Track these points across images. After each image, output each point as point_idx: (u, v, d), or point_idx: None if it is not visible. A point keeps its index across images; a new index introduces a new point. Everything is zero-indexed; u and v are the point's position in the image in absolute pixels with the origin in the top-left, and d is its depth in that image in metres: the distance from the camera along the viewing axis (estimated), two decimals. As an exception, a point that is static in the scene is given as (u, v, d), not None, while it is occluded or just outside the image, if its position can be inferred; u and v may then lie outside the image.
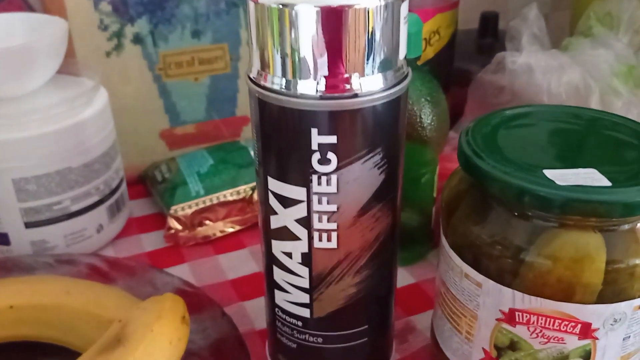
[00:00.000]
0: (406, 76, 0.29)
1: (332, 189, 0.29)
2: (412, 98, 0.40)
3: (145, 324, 0.32)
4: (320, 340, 0.34)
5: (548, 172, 0.27)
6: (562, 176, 0.27)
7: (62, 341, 0.37)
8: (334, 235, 0.30)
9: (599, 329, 0.28)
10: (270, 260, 0.33)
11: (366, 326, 0.34)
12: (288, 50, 0.26)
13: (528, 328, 0.29)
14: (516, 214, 0.28)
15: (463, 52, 0.59)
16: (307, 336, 0.34)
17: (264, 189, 0.31)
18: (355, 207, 0.30)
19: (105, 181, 0.47)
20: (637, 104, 0.41)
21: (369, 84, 0.27)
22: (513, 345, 0.29)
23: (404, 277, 0.45)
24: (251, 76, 0.29)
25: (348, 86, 0.26)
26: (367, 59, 0.26)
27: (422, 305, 0.42)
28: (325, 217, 0.30)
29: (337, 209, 0.30)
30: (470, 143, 0.30)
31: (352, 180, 0.29)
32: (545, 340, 0.28)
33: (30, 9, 0.54)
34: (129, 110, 0.55)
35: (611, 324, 0.28)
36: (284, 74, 0.27)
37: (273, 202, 0.30)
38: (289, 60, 0.26)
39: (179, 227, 0.48)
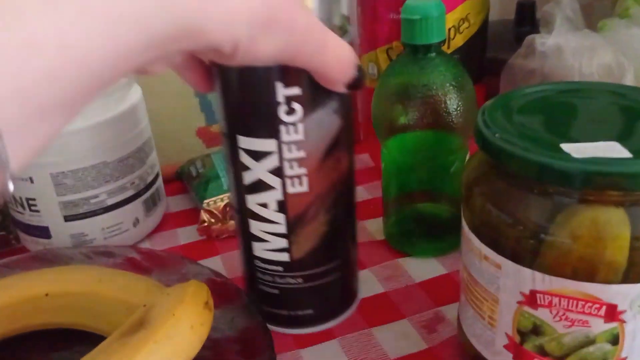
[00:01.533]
0: (346, 32, 0.33)
1: (300, 136, 0.32)
2: (436, 83, 0.40)
3: (168, 309, 0.32)
4: (300, 280, 0.37)
5: (566, 146, 0.26)
6: (581, 149, 0.26)
7: (94, 328, 0.38)
8: (305, 179, 0.34)
9: (625, 311, 0.26)
10: (245, 215, 0.36)
11: (339, 261, 0.37)
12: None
13: (550, 311, 0.27)
14: (535, 191, 0.27)
15: (500, 42, 0.58)
16: (288, 279, 0.37)
17: (233, 148, 0.34)
18: (321, 151, 0.33)
19: (140, 176, 0.48)
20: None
21: None
22: (536, 330, 0.28)
23: (435, 268, 0.44)
24: None
25: None
26: (317, 15, 0.30)
27: (453, 296, 0.41)
28: (295, 164, 0.33)
29: (306, 154, 0.33)
30: (487, 121, 0.29)
31: (316, 126, 0.32)
32: (569, 323, 0.27)
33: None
34: (167, 110, 0.57)
35: (639, 306, 0.26)
36: None
37: (244, 158, 0.34)
38: None
39: (212, 220, 0.49)
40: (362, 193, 0.54)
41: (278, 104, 0.31)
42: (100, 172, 0.45)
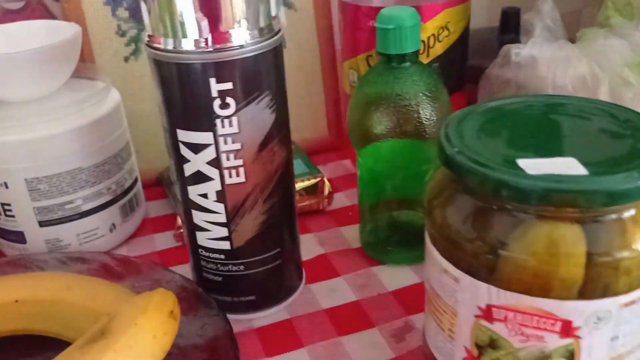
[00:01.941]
0: (279, 30, 0.35)
1: (235, 129, 0.34)
2: (409, 93, 0.40)
3: (130, 317, 0.32)
4: (242, 267, 0.39)
5: (522, 162, 0.26)
6: (537, 165, 0.26)
7: (63, 335, 0.38)
8: (241, 170, 0.36)
9: (581, 327, 0.26)
10: (188, 206, 0.38)
11: (279, 249, 0.39)
12: (180, 14, 0.32)
13: (506, 325, 0.27)
14: (493, 207, 0.27)
15: (484, 50, 0.58)
16: (230, 266, 0.39)
17: (174, 142, 0.36)
18: (255, 143, 0.35)
19: (117, 181, 0.48)
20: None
21: (247, 37, 0.33)
22: (493, 344, 0.28)
23: (408, 276, 0.44)
24: (148, 41, 0.34)
25: (234, 39, 0.33)
26: (246, 16, 0.32)
27: (424, 305, 0.41)
28: (232, 155, 0.35)
29: (241, 146, 0.35)
30: (449, 135, 0.29)
31: (250, 120, 0.35)
32: (525, 338, 0.27)
33: (51, 16, 0.56)
34: (147, 114, 0.57)
35: (595, 323, 0.26)
36: (177, 35, 0.32)
37: (184, 151, 0.36)
38: (177, 22, 0.32)
39: (189, 226, 0.49)
40: (341, 199, 0.54)
41: (213, 98, 0.33)
42: (75, 178, 0.45)
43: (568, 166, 0.25)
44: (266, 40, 0.34)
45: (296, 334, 0.39)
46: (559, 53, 0.39)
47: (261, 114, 0.35)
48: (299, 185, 0.51)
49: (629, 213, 0.26)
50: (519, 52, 0.40)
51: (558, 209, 0.25)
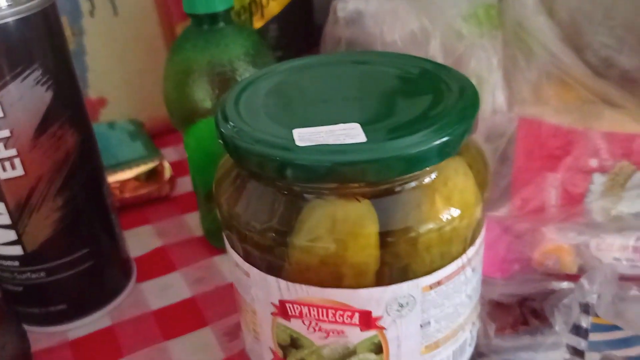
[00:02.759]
0: None
1: None
2: (223, 59, 0.35)
3: None
4: (43, 274, 0.34)
5: (297, 133, 0.22)
6: (312, 135, 0.22)
7: None
8: (17, 161, 0.30)
9: (382, 316, 0.23)
10: None
11: (87, 249, 0.34)
12: None
13: (303, 322, 0.24)
14: (272, 189, 0.23)
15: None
16: (28, 274, 0.33)
17: None
18: (29, 128, 0.30)
19: None
20: (487, 47, 0.36)
21: None
22: (295, 343, 0.24)
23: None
24: None
25: None
26: None
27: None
28: (1, 145, 0.30)
29: (11, 133, 0.30)
30: (225, 112, 0.24)
31: (17, 101, 0.29)
32: (325, 334, 0.24)
33: None
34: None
35: (397, 310, 0.23)
36: None
37: None
38: None
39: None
40: (185, 184, 0.49)
41: None
42: None
43: (347, 134, 0.22)
44: (28, 2, 0.29)
45: (117, 342, 0.35)
46: (385, 6, 0.35)
47: (31, 92, 0.30)
48: (135, 171, 0.45)
49: (425, 181, 0.22)
50: (345, 6, 0.36)
51: (340, 186, 0.22)
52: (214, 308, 0.37)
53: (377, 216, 0.22)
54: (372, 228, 0.22)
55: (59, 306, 0.35)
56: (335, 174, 0.21)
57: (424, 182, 0.22)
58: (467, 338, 0.27)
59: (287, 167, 0.21)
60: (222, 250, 0.41)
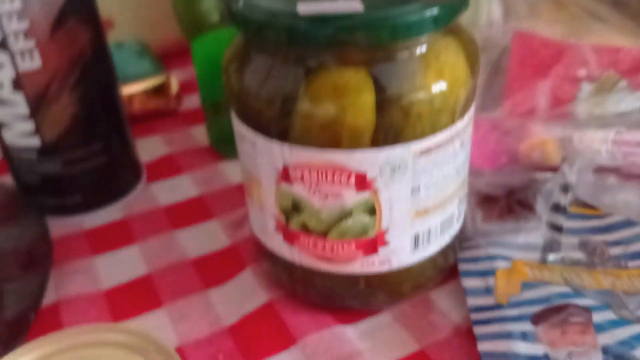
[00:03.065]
0: None
1: (17, 4, 0.31)
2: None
3: None
4: (59, 165, 0.35)
5: (301, 4, 0.24)
6: (314, 6, 0.24)
7: None
8: (35, 53, 0.32)
9: (375, 178, 0.25)
10: None
11: (101, 144, 0.36)
12: None
13: (304, 185, 0.26)
14: (278, 58, 0.25)
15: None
16: (46, 164, 0.35)
17: None
18: (46, 21, 0.32)
19: None
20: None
21: None
22: (296, 207, 0.27)
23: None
24: None
25: None
26: None
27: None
28: (21, 36, 0.31)
29: (30, 24, 0.31)
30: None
31: None
32: (324, 196, 0.26)
33: None
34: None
35: (390, 173, 0.25)
36: None
37: None
38: None
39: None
40: (192, 101, 0.51)
41: None
42: None
43: (348, 7, 0.23)
44: None
45: (129, 231, 0.37)
46: None
47: None
48: (143, 85, 0.47)
49: (418, 51, 0.24)
50: None
51: (341, 53, 0.24)
52: (219, 204, 0.39)
53: (373, 84, 0.24)
54: (369, 94, 0.24)
55: (74, 197, 0.37)
56: (335, 38, 0.23)
57: (417, 54, 0.24)
58: (455, 213, 0.29)
59: (292, 32, 0.23)
60: (227, 158, 0.43)
